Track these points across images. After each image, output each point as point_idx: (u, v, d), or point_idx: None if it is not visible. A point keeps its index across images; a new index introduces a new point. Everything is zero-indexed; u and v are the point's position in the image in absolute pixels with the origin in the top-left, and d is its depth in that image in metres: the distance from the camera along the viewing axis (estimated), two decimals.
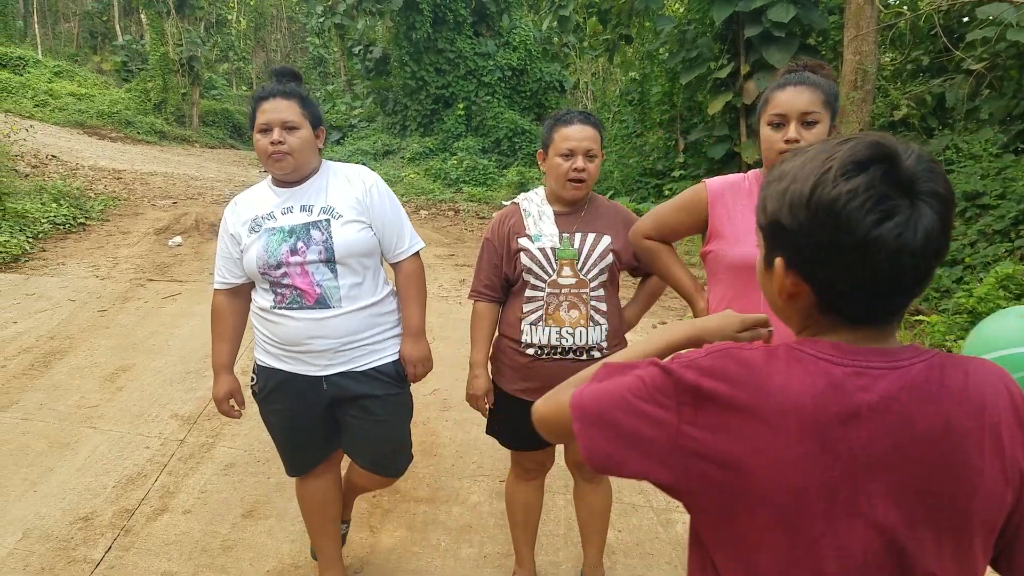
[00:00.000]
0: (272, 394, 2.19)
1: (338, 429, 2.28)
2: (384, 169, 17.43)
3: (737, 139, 11.16)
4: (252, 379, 2.25)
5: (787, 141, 1.75)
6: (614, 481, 3.27)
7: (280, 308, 2.08)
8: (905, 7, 10.48)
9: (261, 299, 2.14)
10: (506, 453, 2.43)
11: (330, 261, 2.05)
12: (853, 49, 8.48)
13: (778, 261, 0.87)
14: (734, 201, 1.91)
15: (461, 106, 18.57)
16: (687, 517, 0.93)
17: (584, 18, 15.55)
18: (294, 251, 2.03)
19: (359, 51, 21.67)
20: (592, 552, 2.49)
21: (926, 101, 9.17)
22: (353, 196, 2.11)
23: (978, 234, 6.23)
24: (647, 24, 13.34)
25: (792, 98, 1.74)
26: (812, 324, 0.89)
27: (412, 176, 16.13)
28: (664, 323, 5.99)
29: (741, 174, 1.96)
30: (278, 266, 2.04)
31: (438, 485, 3.28)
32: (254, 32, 41.61)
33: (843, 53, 8.75)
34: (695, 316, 2.06)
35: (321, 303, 2.06)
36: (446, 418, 3.99)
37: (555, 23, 15.61)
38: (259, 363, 2.22)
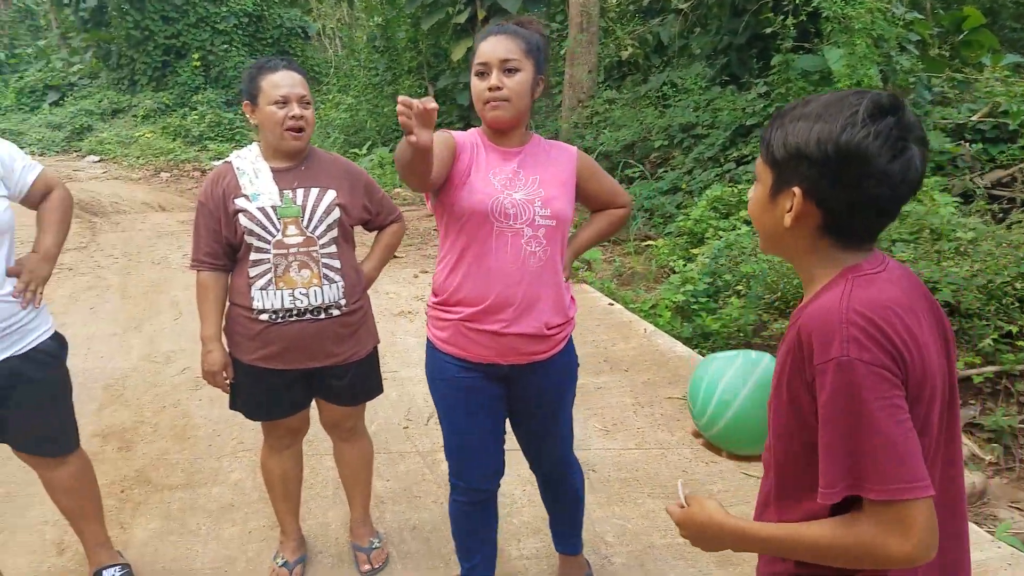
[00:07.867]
0: None
1: None
2: (115, 130, 15.55)
3: None
4: None
5: (490, 89, 1.76)
6: (381, 432, 3.30)
7: None
8: None
9: None
10: None
11: None
12: None
13: (797, 189, 1.02)
14: (464, 153, 1.88)
15: (196, 56, 16.97)
16: None
17: None
18: None
19: (71, 0, 18.73)
20: (357, 507, 2.51)
21: (648, 40, 10.00)
22: None
23: (693, 162, 6.94)
24: None
25: (493, 47, 1.76)
26: (812, 246, 1.06)
27: (148, 136, 14.53)
28: (425, 272, 6.06)
29: (469, 130, 1.94)
30: None
31: (194, 468, 3.09)
32: None
33: None
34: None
35: None
36: (199, 397, 3.73)
37: None
38: None
